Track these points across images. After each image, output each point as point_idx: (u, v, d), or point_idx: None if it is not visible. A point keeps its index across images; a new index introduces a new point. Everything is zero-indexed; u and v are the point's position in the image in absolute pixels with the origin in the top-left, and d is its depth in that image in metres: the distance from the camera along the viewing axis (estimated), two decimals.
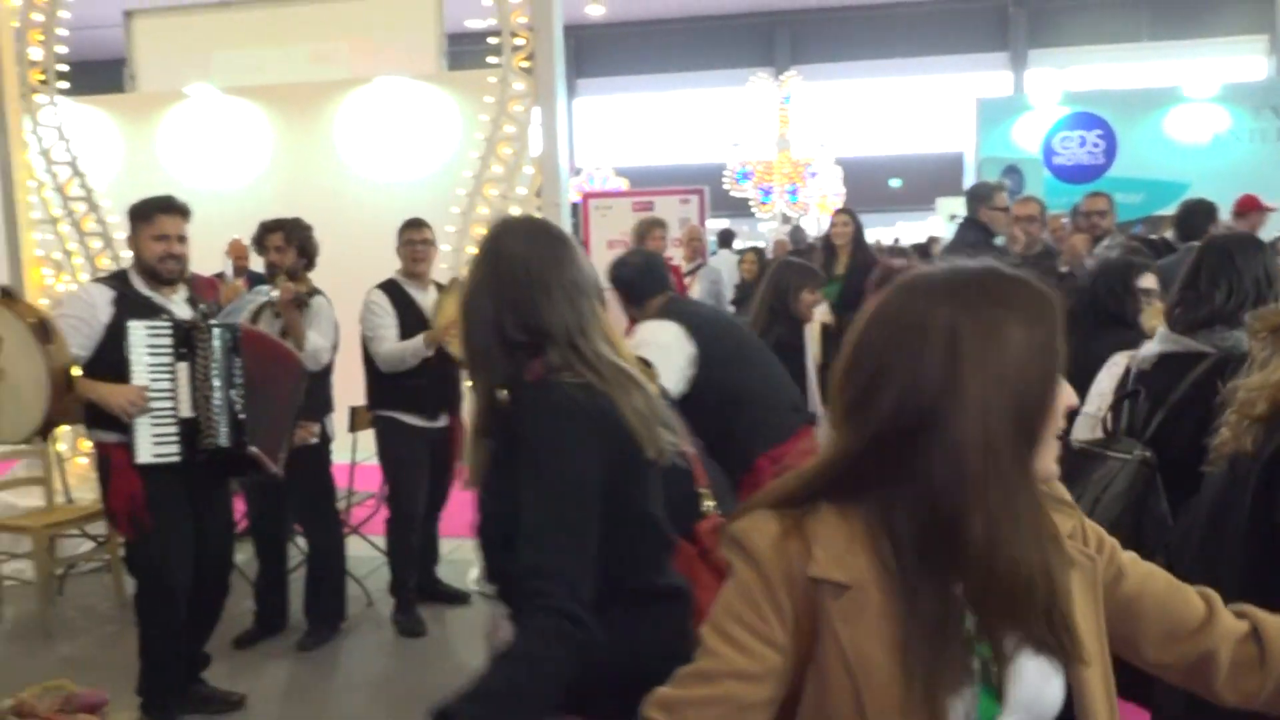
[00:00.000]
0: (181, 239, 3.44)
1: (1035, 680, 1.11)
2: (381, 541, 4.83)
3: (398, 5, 8.89)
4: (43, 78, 5.45)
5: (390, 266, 6.29)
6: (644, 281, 3.38)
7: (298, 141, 8.29)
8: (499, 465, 1.71)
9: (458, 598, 4.78)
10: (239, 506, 4.79)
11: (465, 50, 9.49)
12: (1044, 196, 7.02)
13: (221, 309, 4.37)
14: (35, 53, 5.43)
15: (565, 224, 4.94)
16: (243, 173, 8.27)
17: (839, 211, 6.53)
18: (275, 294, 4.13)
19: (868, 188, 19.54)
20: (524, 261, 1.71)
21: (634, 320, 3.38)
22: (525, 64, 4.86)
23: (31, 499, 5.11)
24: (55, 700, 2.51)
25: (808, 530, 1.10)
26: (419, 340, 4.30)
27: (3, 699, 2.42)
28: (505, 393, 1.69)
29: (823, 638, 1.08)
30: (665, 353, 3.03)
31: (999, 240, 4.97)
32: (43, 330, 3.04)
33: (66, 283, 5.45)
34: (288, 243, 4.36)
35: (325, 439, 4.34)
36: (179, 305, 3.49)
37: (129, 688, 3.52)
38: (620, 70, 21.73)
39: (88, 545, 5.17)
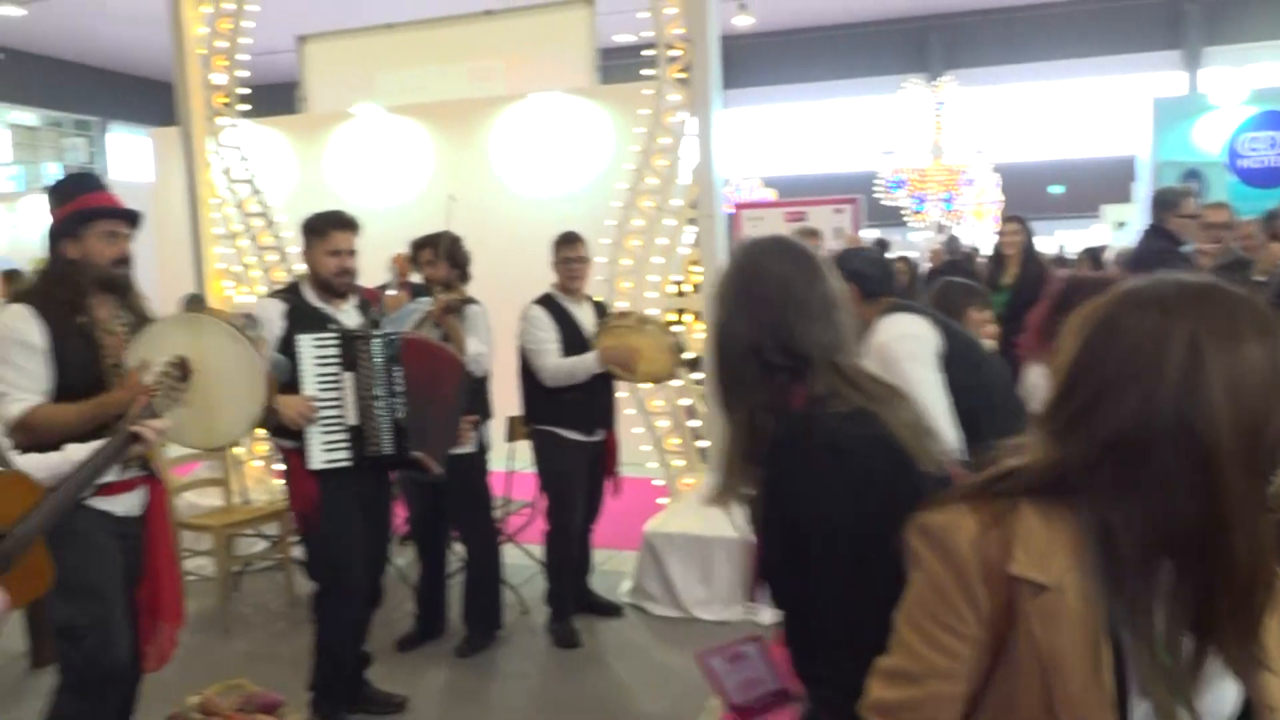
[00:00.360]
0: (352, 252, 3.56)
1: (1219, 687, 1.12)
2: (536, 550, 4.88)
3: (552, 22, 9.05)
4: (225, 100, 5.77)
5: (545, 279, 6.41)
6: (879, 274, 3.14)
7: (456, 157, 8.54)
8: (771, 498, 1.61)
9: (610, 610, 4.78)
10: (399, 511, 5.00)
11: (615, 65, 9.60)
12: (1229, 201, 6.54)
13: (386, 318, 4.51)
14: (218, 78, 5.74)
15: (722, 236, 4.88)
16: (404, 188, 8.58)
17: (1009, 219, 6.26)
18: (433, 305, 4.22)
19: (1026, 195, 18.76)
20: (779, 281, 1.65)
21: (863, 317, 3.15)
22: (681, 75, 4.83)
23: (211, 499, 5.39)
24: (236, 699, 2.61)
25: (1009, 528, 1.12)
26: (591, 359, 4.33)
27: (189, 696, 2.53)
28: (767, 419, 1.61)
29: (1017, 635, 1.11)
30: (920, 344, 2.87)
31: (1186, 248, 4.64)
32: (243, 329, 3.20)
33: (245, 294, 5.74)
34: (438, 256, 4.46)
35: (483, 447, 4.41)
36: (348, 314, 3.61)
37: (299, 683, 3.65)
38: (767, 80, 21.59)
39: (261, 545, 5.42)
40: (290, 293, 3.59)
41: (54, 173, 19.15)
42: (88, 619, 2.67)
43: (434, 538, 4.55)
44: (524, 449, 4.73)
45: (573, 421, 4.42)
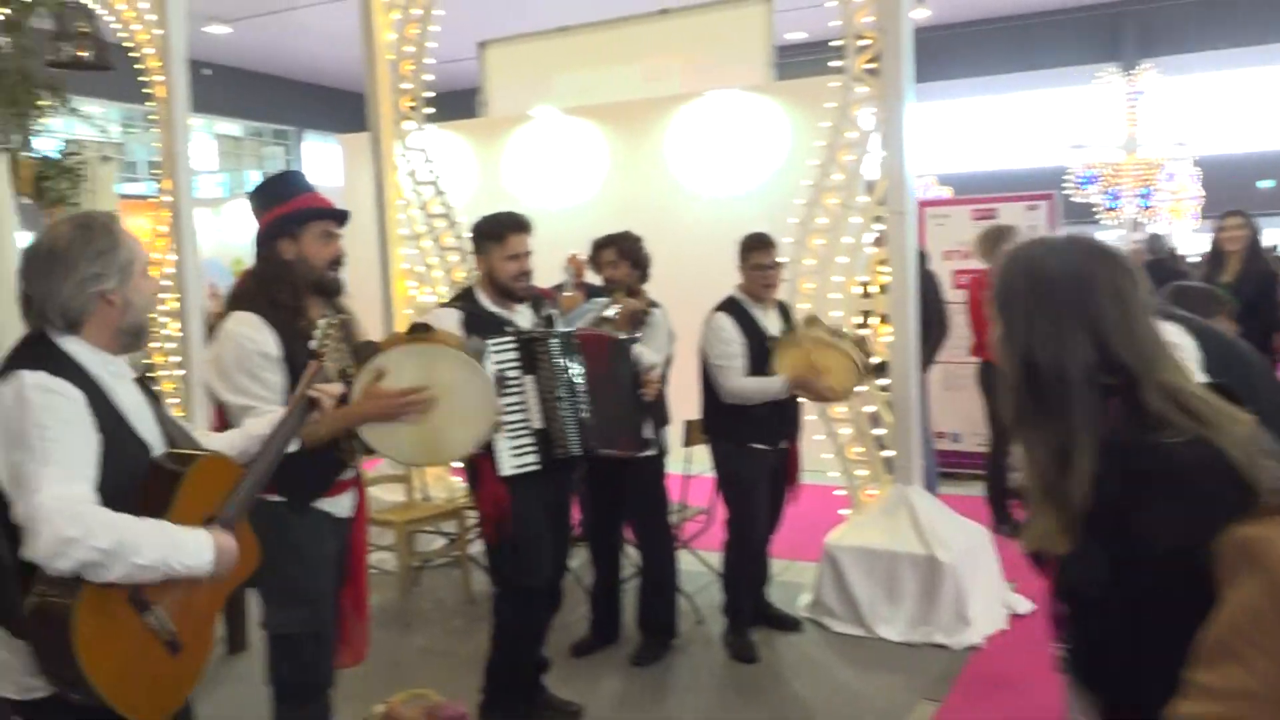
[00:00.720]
0: (529, 254, 3.49)
1: None
2: (712, 558, 4.75)
3: (728, 19, 8.93)
4: (412, 104, 5.89)
5: (722, 279, 6.25)
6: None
7: (631, 157, 8.52)
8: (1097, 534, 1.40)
9: (789, 624, 4.59)
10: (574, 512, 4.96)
11: (788, 62, 9.37)
12: None
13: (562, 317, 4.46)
14: (405, 84, 5.86)
15: (912, 233, 4.61)
16: (580, 189, 8.63)
17: (1231, 214, 5.70)
18: (613, 310, 4.12)
19: (1231, 190, 17.26)
20: (1103, 285, 1.43)
21: None
22: (870, 65, 4.59)
23: (393, 495, 5.51)
24: (420, 709, 2.59)
25: None
26: (777, 384, 4.13)
27: (375, 705, 2.52)
28: (1086, 449, 1.39)
29: None
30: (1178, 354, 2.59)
31: None
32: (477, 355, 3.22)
33: (427, 294, 5.85)
34: (621, 257, 4.37)
35: (661, 451, 4.31)
36: (522, 315, 3.55)
37: (474, 682, 3.63)
38: (944, 75, 20.75)
39: (440, 541, 5.51)
40: (465, 300, 3.51)
41: (255, 179, 20.43)
42: (306, 628, 2.66)
43: (609, 541, 4.47)
44: (701, 453, 4.61)
45: (756, 434, 4.25)
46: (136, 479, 1.96)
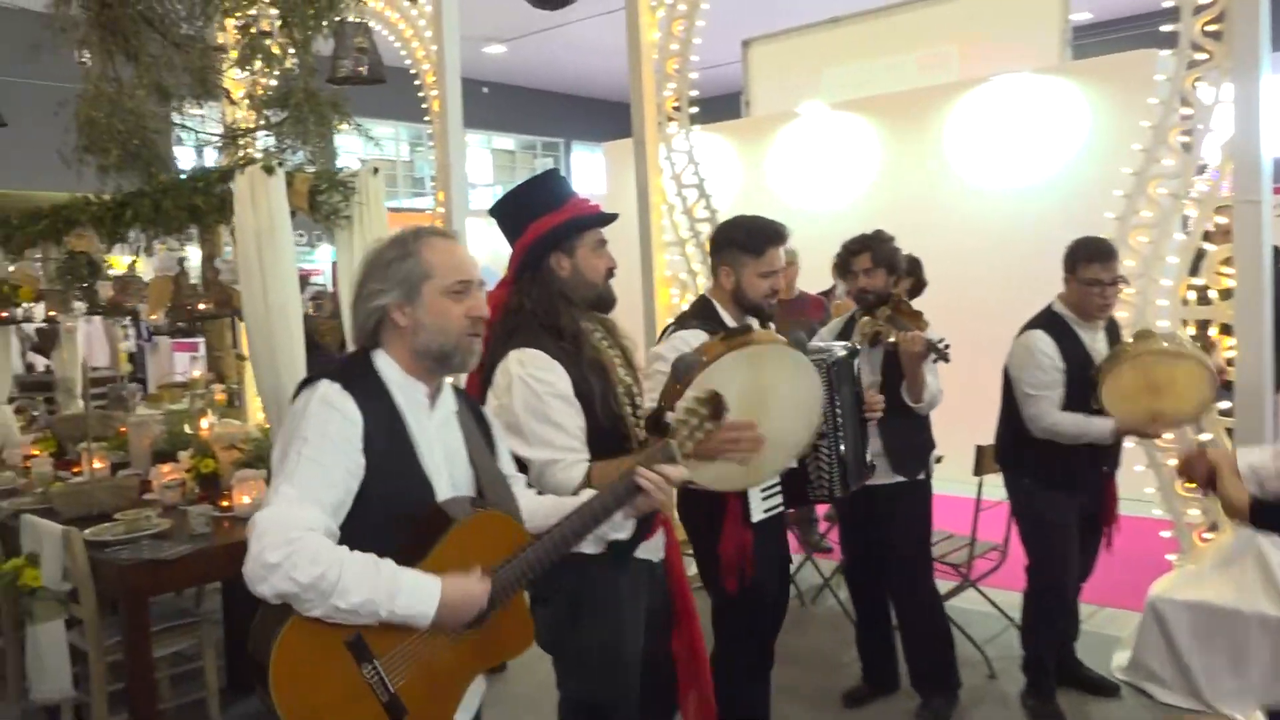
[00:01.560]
0: (783, 269, 3.02)
1: None
2: (1005, 598, 4.16)
3: (1013, 1, 8.18)
4: (676, 104, 5.67)
5: (1016, 284, 5.58)
6: None
7: (905, 150, 7.93)
8: None
9: (1105, 688, 3.90)
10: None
11: (1077, 44, 8.43)
12: None
13: (814, 333, 4.00)
14: (670, 85, 5.65)
15: (1268, 227, 3.80)
16: (850, 187, 8.13)
17: None
18: (856, 342, 3.55)
19: None
20: None
21: None
22: (1213, 27, 3.84)
23: None
24: None
25: None
26: (1105, 429, 3.44)
27: None
28: None
29: None
30: None
31: None
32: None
33: (690, 302, 5.58)
34: (875, 264, 3.71)
35: (927, 474, 3.75)
36: None
37: None
38: None
39: None
40: (705, 318, 2.95)
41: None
42: (616, 692, 2.34)
43: (873, 578, 3.94)
44: (992, 480, 4.03)
45: (1068, 473, 3.59)
46: (411, 517, 1.78)
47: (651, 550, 2.42)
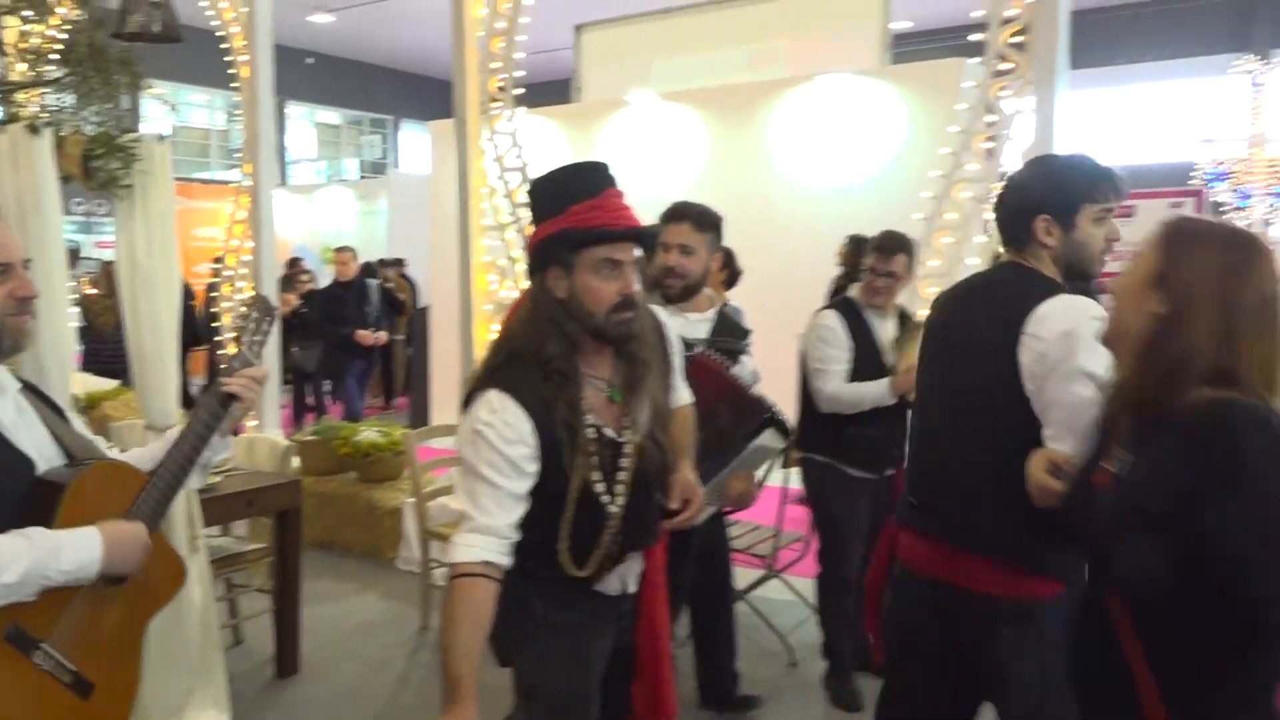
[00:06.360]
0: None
1: None
2: (808, 588, 4.25)
3: (840, 2, 8.38)
4: (501, 85, 5.51)
5: (827, 276, 5.72)
6: None
7: (732, 145, 8.01)
8: None
9: None
10: None
11: (898, 50, 8.75)
12: None
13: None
14: (495, 63, 5.49)
15: None
16: (678, 178, 8.14)
17: None
18: None
19: None
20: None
21: None
22: (1017, 39, 4.01)
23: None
24: None
25: None
26: (882, 389, 3.56)
27: None
28: None
29: None
30: None
31: None
32: None
33: (509, 289, 5.45)
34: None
35: None
36: (696, 326, 3.17)
37: None
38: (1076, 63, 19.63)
39: None
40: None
41: (352, 168, 20.51)
42: None
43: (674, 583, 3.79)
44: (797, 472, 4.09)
45: (859, 460, 3.68)
46: (16, 494, 1.72)
47: (611, 583, 2.03)
